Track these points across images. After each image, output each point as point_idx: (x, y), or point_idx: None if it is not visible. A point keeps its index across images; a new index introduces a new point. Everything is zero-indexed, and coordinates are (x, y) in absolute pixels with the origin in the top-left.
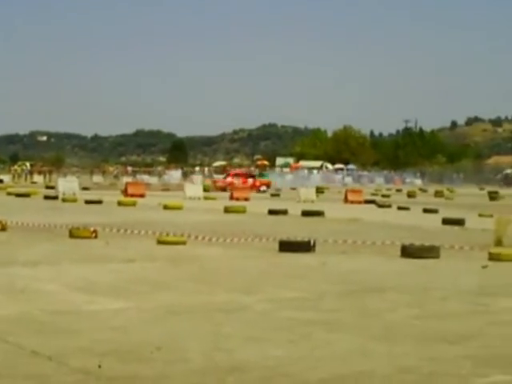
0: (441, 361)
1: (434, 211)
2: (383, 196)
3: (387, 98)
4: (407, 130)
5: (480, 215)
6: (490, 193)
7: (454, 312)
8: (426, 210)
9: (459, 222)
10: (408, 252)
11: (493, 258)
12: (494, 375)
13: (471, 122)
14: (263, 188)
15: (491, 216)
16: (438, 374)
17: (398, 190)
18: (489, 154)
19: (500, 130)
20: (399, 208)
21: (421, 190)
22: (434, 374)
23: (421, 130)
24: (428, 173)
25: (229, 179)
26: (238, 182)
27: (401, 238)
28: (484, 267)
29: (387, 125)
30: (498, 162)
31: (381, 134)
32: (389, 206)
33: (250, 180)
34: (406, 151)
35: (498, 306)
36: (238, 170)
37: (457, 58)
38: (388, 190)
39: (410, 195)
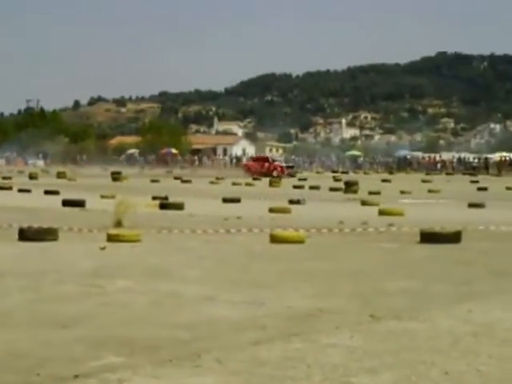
0: (54, 345)
1: (56, 193)
2: (4, 178)
3: (10, 76)
4: (29, 109)
5: (102, 196)
6: (113, 173)
7: (69, 295)
8: (47, 192)
9: (80, 204)
10: (25, 235)
11: (111, 239)
12: (107, 357)
13: (95, 101)
14: (275, 173)
15: (113, 197)
16: (51, 358)
17: (20, 172)
18: (112, 134)
19: (124, 110)
20: (20, 190)
21: (43, 171)
22: (47, 358)
23: (42, 109)
24: (51, 153)
25: (250, 163)
26: (256, 165)
27: (19, 221)
28: (102, 249)
29: (8, 104)
30: (121, 142)
31: (2, 114)
32: (9, 188)
33: (266, 164)
34: (28, 132)
35: (113, 287)
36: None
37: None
38: (9, 171)
39: (32, 177)
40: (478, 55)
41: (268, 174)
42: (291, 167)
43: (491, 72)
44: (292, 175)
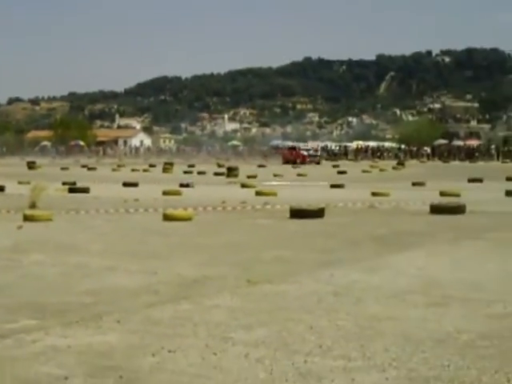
0: None
1: None
2: None
3: None
4: None
5: (19, 182)
6: (28, 163)
7: None
8: None
9: (0, 189)
10: None
11: (27, 219)
12: (22, 321)
13: (13, 101)
14: (298, 160)
15: (29, 183)
16: None
17: None
18: (28, 129)
19: (38, 108)
20: None
21: None
22: None
23: None
24: None
25: (285, 151)
26: (288, 153)
27: None
28: (19, 227)
29: None
30: (36, 135)
31: None
32: None
33: (294, 152)
34: None
35: (28, 260)
36: (291, 145)
37: None
38: None
39: None
40: (337, 60)
41: (294, 160)
42: (315, 156)
43: (349, 74)
44: (317, 162)
